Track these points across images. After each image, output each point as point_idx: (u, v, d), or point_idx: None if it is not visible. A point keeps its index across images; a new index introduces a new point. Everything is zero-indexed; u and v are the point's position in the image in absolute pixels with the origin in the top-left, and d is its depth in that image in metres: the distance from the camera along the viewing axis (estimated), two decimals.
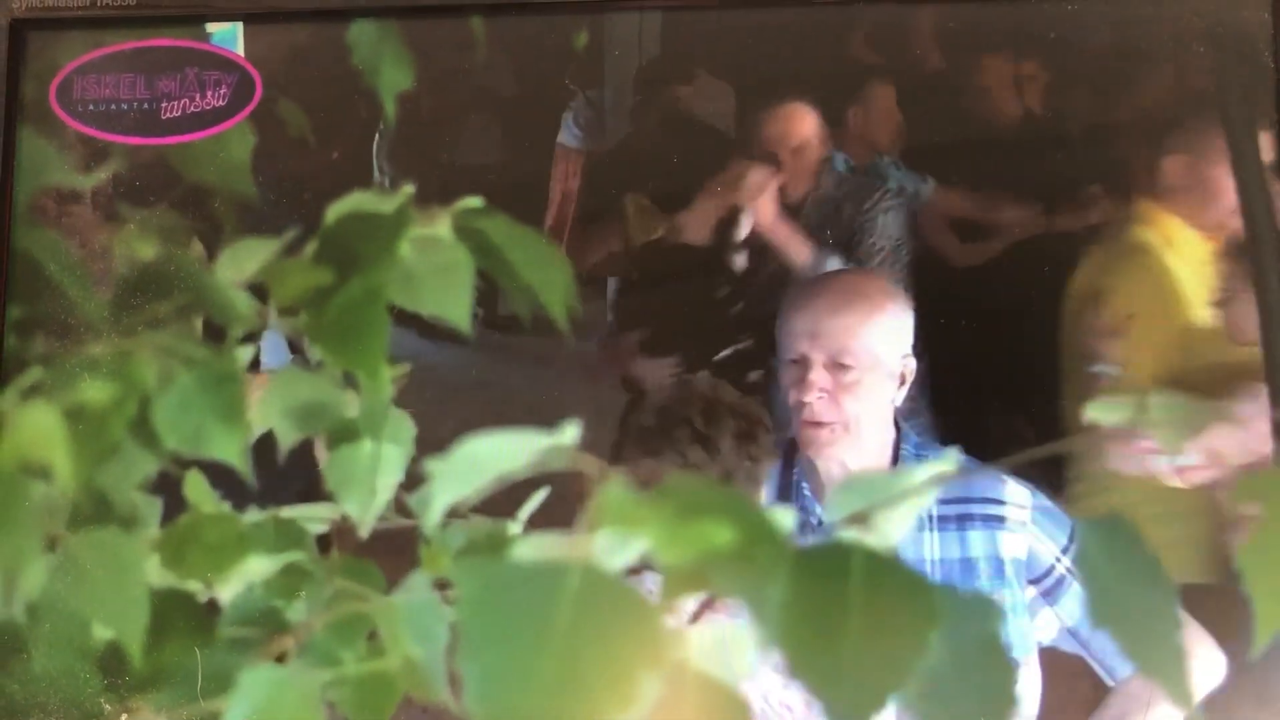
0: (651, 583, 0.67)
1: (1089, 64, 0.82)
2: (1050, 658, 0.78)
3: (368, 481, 0.75)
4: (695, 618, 0.70)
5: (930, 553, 0.78)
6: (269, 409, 0.77)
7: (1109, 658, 0.78)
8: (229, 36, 0.86)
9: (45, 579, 0.76)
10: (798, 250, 0.84)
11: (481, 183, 0.82)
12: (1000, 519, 0.78)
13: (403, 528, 0.74)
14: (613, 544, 0.65)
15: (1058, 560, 0.78)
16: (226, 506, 0.77)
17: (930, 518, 0.78)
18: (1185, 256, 0.81)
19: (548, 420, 0.72)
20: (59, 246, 0.84)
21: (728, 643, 0.67)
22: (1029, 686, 0.77)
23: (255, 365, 0.79)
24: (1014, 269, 0.82)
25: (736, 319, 0.84)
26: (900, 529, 0.67)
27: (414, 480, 0.74)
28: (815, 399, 0.79)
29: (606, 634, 0.62)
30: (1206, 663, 0.74)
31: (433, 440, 0.75)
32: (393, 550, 0.75)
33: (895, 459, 0.80)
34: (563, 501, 0.74)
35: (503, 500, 0.73)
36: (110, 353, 0.79)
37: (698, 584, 0.64)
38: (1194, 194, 0.81)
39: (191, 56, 0.85)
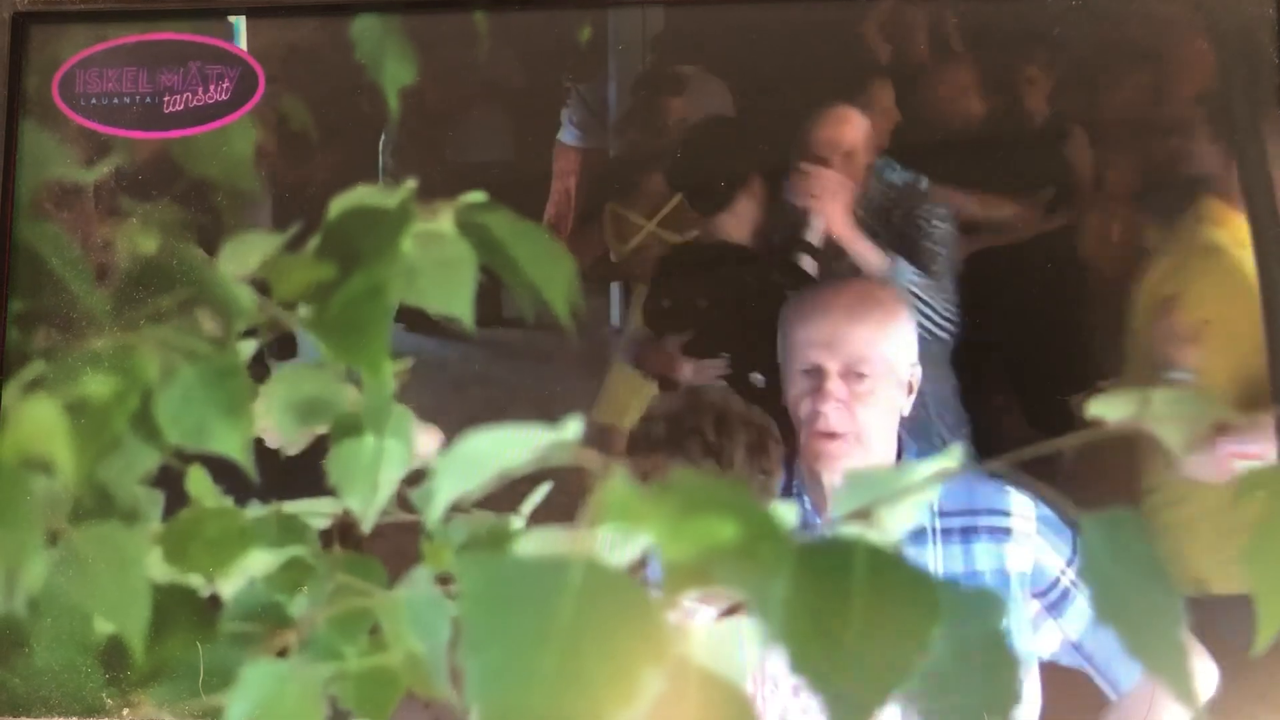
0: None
1: (1088, 62, 0.82)
2: (1050, 673, 0.77)
3: (370, 476, 0.75)
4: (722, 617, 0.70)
5: (934, 567, 0.76)
6: (272, 404, 0.77)
7: (1111, 670, 0.76)
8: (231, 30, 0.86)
9: (47, 573, 0.76)
10: (870, 255, 0.83)
11: (485, 177, 0.81)
12: (1006, 530, 0.76)
13: (405, 523, 0.74)
14: (615, 539, 0.65)
15: (1063, 573, 0.76)
16: (228, 501, 0.76)
17: (934, 531, 0.76)
18: None
19: (550, 415, 0.72)
20: (61, 240, 0.83)
21: (730, 638, 0.67)
22: (1029, 700, 0.75)
23: (259, 361, 0.79)
24: (1017, 264, 0.82)
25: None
26: (903, 524, 0.67)
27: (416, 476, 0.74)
28: (832, 409, 0.77)
29: (609, 629, 0.62)
30: (1199, 673, 0.73)
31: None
32: (395, 545, 0.75)
33: None
34: (565, 497, 0.74)
35: (505, 495, 0.73)
36: (112, 347, 0.79)
37: (700, 580, 0.64)
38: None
39: (194, 50, 0.85)
